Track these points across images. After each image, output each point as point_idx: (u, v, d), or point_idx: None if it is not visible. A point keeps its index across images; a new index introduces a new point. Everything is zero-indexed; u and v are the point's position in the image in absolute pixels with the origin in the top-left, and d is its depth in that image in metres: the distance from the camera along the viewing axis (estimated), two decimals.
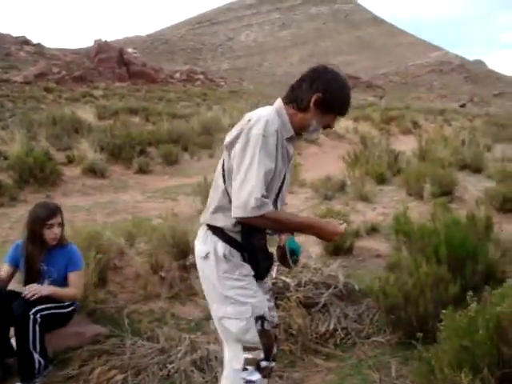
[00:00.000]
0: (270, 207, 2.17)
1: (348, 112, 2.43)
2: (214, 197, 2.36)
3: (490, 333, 2.53)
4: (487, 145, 14.82)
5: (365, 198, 8.55)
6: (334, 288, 4.19)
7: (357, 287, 4.36)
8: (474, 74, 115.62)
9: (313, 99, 2.29)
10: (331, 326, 3.80)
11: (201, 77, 60.34)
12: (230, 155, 2.29)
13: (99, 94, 31.96)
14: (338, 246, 5.73)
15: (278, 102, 2.38)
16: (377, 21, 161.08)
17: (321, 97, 2.29)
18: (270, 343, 2.32)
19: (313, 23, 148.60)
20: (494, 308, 2.70)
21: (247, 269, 2.32)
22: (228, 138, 2.31)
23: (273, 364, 2.38)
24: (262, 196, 2.13)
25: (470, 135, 16.28)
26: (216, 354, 3.35)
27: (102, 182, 10.98)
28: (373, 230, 6.89)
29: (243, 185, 2.14)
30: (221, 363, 2.71)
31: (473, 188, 9.23)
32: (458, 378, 2.59)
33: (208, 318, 4.04)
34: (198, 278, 2.48)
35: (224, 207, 2.30)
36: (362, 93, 67.47)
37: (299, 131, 2.38)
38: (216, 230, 2.32)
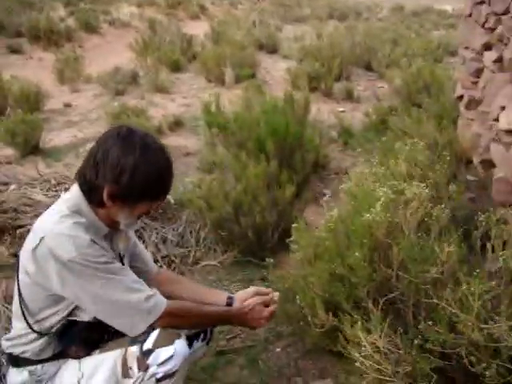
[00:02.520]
0: None
1: (169, 191, 1.72)
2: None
3: (365, 250, 1.92)
4: (277, 25, 14.49)
5: (161, 89, 7.63)
6: None
7: (171, 199, 3.54)
8: None
9: (105, 192, 1.58)
10: None
11: None
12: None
13: None
14: None
15: (76, 194, 1.64)
16: None
17: (115, 189, 1.56)
18: None
19: None
20: (357, 217, 2.10)
21: None
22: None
23: None
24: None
25: (259, 17, 15.79)
26: None
27: None
28: (176, 124, 6.09)
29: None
30: None
31: (272, 69, 8.78)
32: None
33: None
34: None
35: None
36: None
37: (113, 225, 1.69)
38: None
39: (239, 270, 3.02)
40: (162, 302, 1.65)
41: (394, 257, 1.98)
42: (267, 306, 1.90)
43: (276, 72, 8.39)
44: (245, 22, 14.65)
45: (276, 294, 1.94)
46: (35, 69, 9.97)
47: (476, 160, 3.73)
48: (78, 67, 8.99)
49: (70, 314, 1.62)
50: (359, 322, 1.75)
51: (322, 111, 5.60)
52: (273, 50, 10.46)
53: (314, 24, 14.64)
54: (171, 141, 5.57)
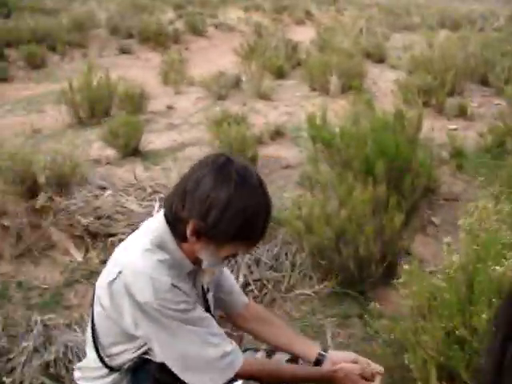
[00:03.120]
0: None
1: (264, 236, 1.49)
2: None
3: (492, 311, 1.63)
4: (385, 34, 13.99)
5: (264, 96, 7.49)
6: None
7: None
8: None
9: (189, 227, 1.39)
10: (240, 280, 2.81)
11: None
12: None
13: None
14: None
15: (161, 226, 1.48)
16: None
17: (201, 225, 1.38)
18: None
19: None
20: (483, 267, 1.80)
21: None
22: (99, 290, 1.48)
23: None
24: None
25: (366, 24, 15.33)
26: (79, 345, 2.27)
27: None
28: (277, 133, 5.92)
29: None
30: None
31: (379, 79, 8.41)
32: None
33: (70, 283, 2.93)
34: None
35: None
36: None
37: (198, 261, 1.49)
38: None
39: (335, 302, 2.78)
40: (238, 361, 1.46)
41: None
42: (366, 379, 1.66)
43: (383, 83, 8.02)
44: (351, 29, 14.28)
45: (380, 369, 1.69)
46: (142, 69, 10.23)
47: None
48: (182, 69, 9.08)
49: (144, 352, 1.47)
50: None
51: (433, 129, 5.22)
52: (380, 59, 10.05)
53: (423, 33, 13.99)
54: (271, 151, 5.43)
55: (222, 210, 1.33)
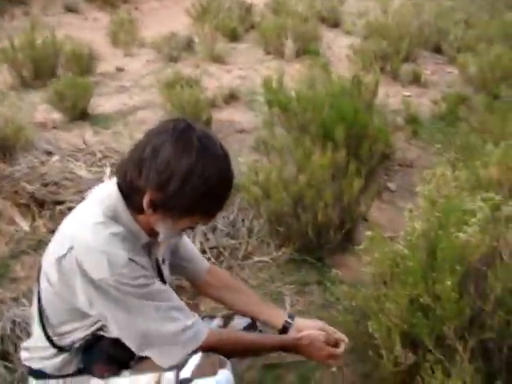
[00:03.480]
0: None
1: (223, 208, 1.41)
2: None
3: (455, 279, 1.60)
4: None
5: (217, 59, 7.29)
6: None
7: None
8: None
9: (146, 198, 1.28)
10: (196, 247, 2.72)
11: None
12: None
13: None
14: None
15: (113, 195, 1.36)
16: None
17: (159, 196, 1.27)
18: None
19: None
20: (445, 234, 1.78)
21: None
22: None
23: None
24: None
25: None
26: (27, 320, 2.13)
27: None
28: (231, 97, 5.79)
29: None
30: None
31: (334, 44, 8.33)
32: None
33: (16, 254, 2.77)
34: None
35: None
36: None
37: (153, 233, 1.39)
38: None
39: (294, 269, 2.73)
40: (201, 334, 1.39)
41: (489, 288, 1.66)
42: (330, 345, 1.63)
43: (338, 48, 7.94)
44: None
45: (345, 339, 1.66)
46: (89, 29, 9.80)
47: None
48: (132, 30, 8.74)
49: (97, 329, 1.37)
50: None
51: (388, 95, 5.20)
52: (334, 24, 9.94)
53: None
54: (225, 115, 5.31)
55: (183, 180, 1.24)
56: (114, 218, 1.30)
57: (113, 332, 1.34)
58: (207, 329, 1.42)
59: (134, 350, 1.33)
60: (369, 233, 2.05)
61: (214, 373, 1.33)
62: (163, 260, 1.53)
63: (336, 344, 1.63)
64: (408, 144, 4.62)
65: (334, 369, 1.94)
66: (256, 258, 2.78)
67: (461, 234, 1.71)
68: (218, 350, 1.45)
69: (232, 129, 4.98)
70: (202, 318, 1.71)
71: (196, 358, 1.34)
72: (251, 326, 1.72)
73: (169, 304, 1.34)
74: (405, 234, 1.96)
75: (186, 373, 1.32)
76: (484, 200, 1.90)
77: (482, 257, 1.72)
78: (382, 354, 1.69)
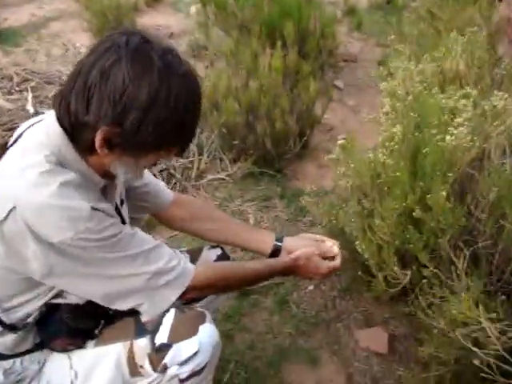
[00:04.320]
0: None
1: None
2: None
3: (447, 187, 1.46)
4: None
5: None
6: None
7: None
8: None
9: (98, 136, 1.00)
10: None
11: None
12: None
13: None
14: None
15: (55, 133, 1.05)
16: None
17: (116, 132, 1.00)
18: None
19: None
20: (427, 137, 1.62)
21: None
22: None
23: None
24: None
25: None
26: None
27: None
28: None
29: None
30: None
31: None
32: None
33: None
34: None
35: None
36: None
37: (109, 174, 1.12)
38: None
39: (253, 185, 2.55)
40: (188, 271, 1.19)
41: (480, 194, 1.54)
42: (325, 258, 1.48)
43: None
44: None
45: (335, 242, 1.51)
46: None
47: None
48: None
49: (53, 297, 1.14)
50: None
51: None
52: None
53: None
54: (149, 19, 4.86)
55: (145, 109, 0.97)
56: (60, 163, 1.03)
57: (78, 295, 1.12)
58: (193, 266, 1.22)
59: (112, 306, 1.12)
60: (340, 140, 1.87)
61: (195, 331, 1.15)
62: (121, 201, 1.29)
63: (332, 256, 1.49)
64: (349, 37, 4.40)
65: None
66: (210, 177, 2.56)
67: (448, 137, 1.55)
68: (210, 287, 1.27)
69: (160, 34, 4.56)
70: None
71: (170, 318, 1.15)
72: (223, 256, 1.54)
73: (145, 247, 1.12)
74: (381, 141, 1.79)
75: (161, 337, 1.13)
76: (464, 96, 1.75)
77: (471, 160, 1.59)
78: (374, 274, 1.57)
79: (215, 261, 1.52)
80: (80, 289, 1.10)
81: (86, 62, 1.00)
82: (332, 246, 1.50)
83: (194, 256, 1.52)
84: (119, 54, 0.97)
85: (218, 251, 1.54)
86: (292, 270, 1.43)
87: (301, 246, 1.47)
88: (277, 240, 1.50)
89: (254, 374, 1.76)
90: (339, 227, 1.72)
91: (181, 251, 1.57)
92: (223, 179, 2.56)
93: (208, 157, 2.65)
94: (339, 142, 1.87)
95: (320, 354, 1.83)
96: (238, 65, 2.71)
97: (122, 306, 1.12)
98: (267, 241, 1.50)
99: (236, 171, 2.58)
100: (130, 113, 0.97)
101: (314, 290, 2.06)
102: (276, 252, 1.49)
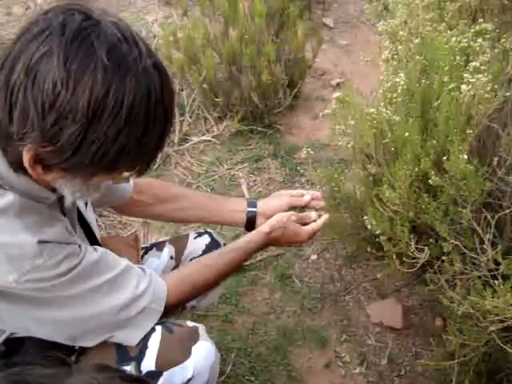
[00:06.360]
0: None
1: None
2: None
3: (466, 146, 1.25)
4: None
5: None
6: None
7: None
8: None
9: (25, 154, 0.73)
10: None
11: None
12: None
13: None
14: None
15: None
16: None
17: (47, 150, 0.73)
18: None
19: None
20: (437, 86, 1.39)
21: None
22: None
23: None
24: None
25: None
26: None
27: None
28: None
29: None
30: None
31: None
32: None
33: None
34: None
35: None
36: None
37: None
38: None
39: (242, 145, 2.32)
40: (161, 293, 1.00)
41: (504, 150, 1.33)
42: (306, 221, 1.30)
43: None
44: None
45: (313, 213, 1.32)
46: None
47: None
48: None
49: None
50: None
51: None
52: None
53: None
54: None
55: (84, 123, 0.71)
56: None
57: (40, 334, 0.92)
58: (163, 283, 1.02)
59: (79, 345, 0.93)
60: (337, 94, 1.64)
61: (187, 354, 0.97)
62: (86, 204, 1.07)
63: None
64: None
65: None
66: (195, 139, 2.33)
67: (464, 87, 1.32)
68: (187, 298, 1.09)
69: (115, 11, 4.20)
70: (147, 251, 1.33)
71: (156, 340, 0.96)
72: (213, 244, 1.34)
73: (109, 275, 0.91)
74: (383, 93, 1.56)
75: (148, 364, 0.95)
76: (479, 32, 1.52)
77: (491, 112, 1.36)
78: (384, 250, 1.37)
79: (204, 251, 1.32)
80: (38, 334, 0.90)
81: (12, 50, 0.74)
82: (309, 202, 1.34)
83: (180, 249, 1.33)
84: (51, 44, 0.70)
85: (206, 239, 1.34)
86: (269, 243, 1.25)
87: (277, 208, 1.28)
88: (250, 205, 1.30)
89: (259, 361, 1.60)
90: (342, 194, 1.52)
91: (164, 241, 1.38)
92: (209, 141, 2.33)
93: (191, 117, 2.40)
94: (335, 95, 1.64)
95: (329, 333, 1.67)
96: (215, 11, 2.42)
97: (91, 343, 0.93)
98: (239, 209, 1.30)
99: (222, 131, 2.34)
100: (66, 127, 0.71)
101: (316, 260, 1.88)
102: (252, 220, 1.30)
